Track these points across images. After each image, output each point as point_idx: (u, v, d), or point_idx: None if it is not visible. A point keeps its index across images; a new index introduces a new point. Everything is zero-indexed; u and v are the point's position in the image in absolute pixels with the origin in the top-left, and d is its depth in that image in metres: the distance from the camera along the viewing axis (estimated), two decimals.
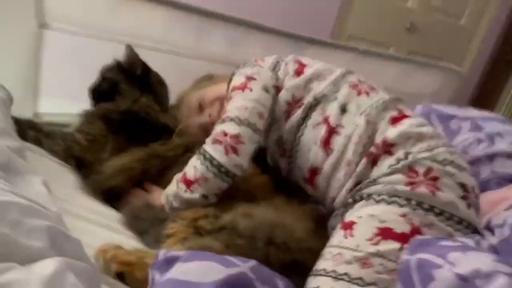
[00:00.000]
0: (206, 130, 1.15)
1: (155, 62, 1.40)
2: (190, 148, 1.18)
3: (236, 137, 1.01)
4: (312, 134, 1.07)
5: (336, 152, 1.02)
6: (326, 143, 1.04)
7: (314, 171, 1.07)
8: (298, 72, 1.14)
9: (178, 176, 1.07)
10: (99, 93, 1.34)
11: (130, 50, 1.33)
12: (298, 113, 1.10)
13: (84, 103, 1.53)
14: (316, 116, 1.08)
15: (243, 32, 1.64)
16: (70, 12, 1.40)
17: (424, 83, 2.15)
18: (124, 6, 1.44)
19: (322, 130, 1.05)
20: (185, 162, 1.08)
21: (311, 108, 1.09)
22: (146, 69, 1.37)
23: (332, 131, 1.04)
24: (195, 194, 1.03)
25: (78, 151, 1.26)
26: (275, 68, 1.18)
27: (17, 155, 0.87)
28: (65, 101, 1.56)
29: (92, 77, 1.45)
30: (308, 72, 1.13)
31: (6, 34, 1.33)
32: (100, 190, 1.17)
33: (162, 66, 1.42)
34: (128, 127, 1.26)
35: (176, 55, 1.60)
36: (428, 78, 2.13)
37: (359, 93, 1.08)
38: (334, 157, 1.03)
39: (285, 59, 1.19)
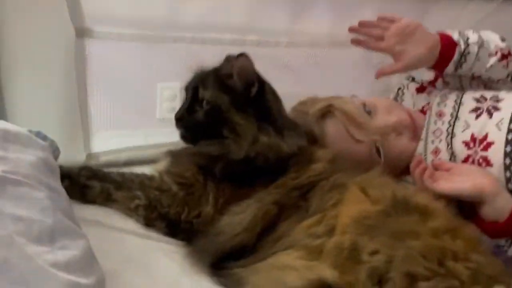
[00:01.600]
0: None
1: None
2: (337, 161, 0.92)
3: None
4: None
5: None
6: None
7: None
8: None
9: None
10: (193, 124, 0.93)
11: (245, 59, 0.89)
12: None
13: (147, 131, 1.15)
14: None
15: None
16: (117, 8, 0.97)
17: None
18: None
19: None
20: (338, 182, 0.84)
21: None
22: (261, 84, 0.93)
23: None
24: None
25: (168, 205, 0.87)
26: None
27: None
28: (122, 132, 1.19)
29: (154, 97, 1.08)
30: None
31: (35, 54, 0.92)
32: (220, 253, 0.81)
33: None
34: (242, 176, 0.87)
35: (265, 46, 1.12)
36: None
37: None
38: None
39: None
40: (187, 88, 0.94)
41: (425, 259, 0.65)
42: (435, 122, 1.07)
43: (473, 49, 1.04)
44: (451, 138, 1.02)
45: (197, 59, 0.98)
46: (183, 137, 0.95)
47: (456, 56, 1.04)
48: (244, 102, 0.91)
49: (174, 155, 0.94)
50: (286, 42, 1.16)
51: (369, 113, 1.06)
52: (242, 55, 0.89)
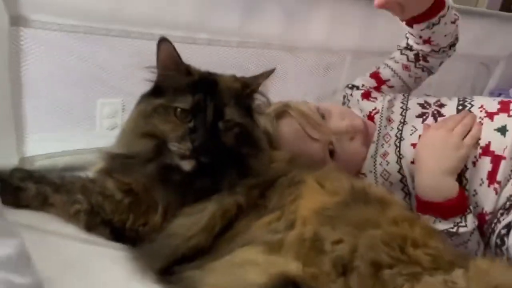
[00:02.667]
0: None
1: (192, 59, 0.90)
2: (294, 159, 0.91)
3: None
4: None
5: None
6: None
7: None
8: None
9: None
10: (220, 151, 0.80)
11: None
12: None
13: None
14: None
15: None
16: None
17: (503, 43, 1.72)
18: None
19: None
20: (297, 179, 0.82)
21: None
22: None
23: None
24: None
25: (111, 212, 0.79)
26: None
27: None
28: (57, 135, 1.08)
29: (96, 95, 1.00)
30: None
31: None
32: (172, 258, 0.74)
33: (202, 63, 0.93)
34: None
35: (215, 45, 1.10)
36: (509, 37, 1.70)
37: None
38: None
39: None
40: (197, 106, 0.79)
41: (387, 247, 0.64)
42: (385, 127, 1.10)
43: (451, 12, 1.05)
44: (400, 141, 1.05)
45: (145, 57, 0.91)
46: (203, 167, 0.78)
47: (443, 11, 1.02)
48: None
49: (122, 162, 0.84)
50: (237, 42, 1.14)
51: (323, 116, 1.07)
52: (273, 71, 0.86)
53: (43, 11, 0.88)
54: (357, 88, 1.28)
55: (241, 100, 0.84)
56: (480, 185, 0.92)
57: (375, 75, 1.27)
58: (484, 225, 0.92)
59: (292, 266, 0.64)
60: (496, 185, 0.89)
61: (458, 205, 0.89)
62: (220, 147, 0.79)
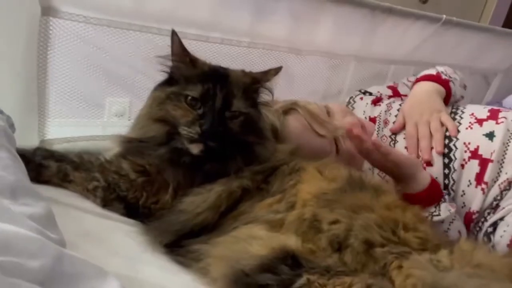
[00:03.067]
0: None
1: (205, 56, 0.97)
2: (296, 151, 0.97)
3: None
4: None
5: None
6: None
7: None
8: None
9: None
10: (227, 137, 0.87)
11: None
12: None
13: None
14: None
15: (311, 5, 1.22)
16: None
17: (502, 57, 1.78)
18: None
19: None
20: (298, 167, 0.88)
21: None
22: None
23: None
24: None
25: (126, 189, 0.86)
26: None
27: None
28: (79, 121, 1.14)
29: (115, 83, 1.07)
30: None
31: None
32: (181, 232, 0.81)
33: (214, 60, 0.99)
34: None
35: (227, 44, 1.16)
36: (507, 51, 1.76)
37: None
38: None
39: None
40: (206, 94, 0.85)
41: (380, 228, 0.70)
42: (382, 129, 1.16)
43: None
44: (394, 143, 1.11)
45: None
46: (210, 151, 0.84)
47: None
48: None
49: (136, 146, 0.90)
50: (247, 42, 1.21)
51: (328, 114, 1.13)
52: (280, 69, 0.92)
53: (72, 4, 0.95)
54: (370, 94, 1.35)
55: (248, 93, 0.90)
56: (468, 186, 0.97)
57: (392, 87, 1.36)
58: (471, 224, 0.98)
59: (292, 241, 0.69)
60: (484, 186, 0.95)
61: (428, 197, 0.94)
62: (226, 134, 0.85)
